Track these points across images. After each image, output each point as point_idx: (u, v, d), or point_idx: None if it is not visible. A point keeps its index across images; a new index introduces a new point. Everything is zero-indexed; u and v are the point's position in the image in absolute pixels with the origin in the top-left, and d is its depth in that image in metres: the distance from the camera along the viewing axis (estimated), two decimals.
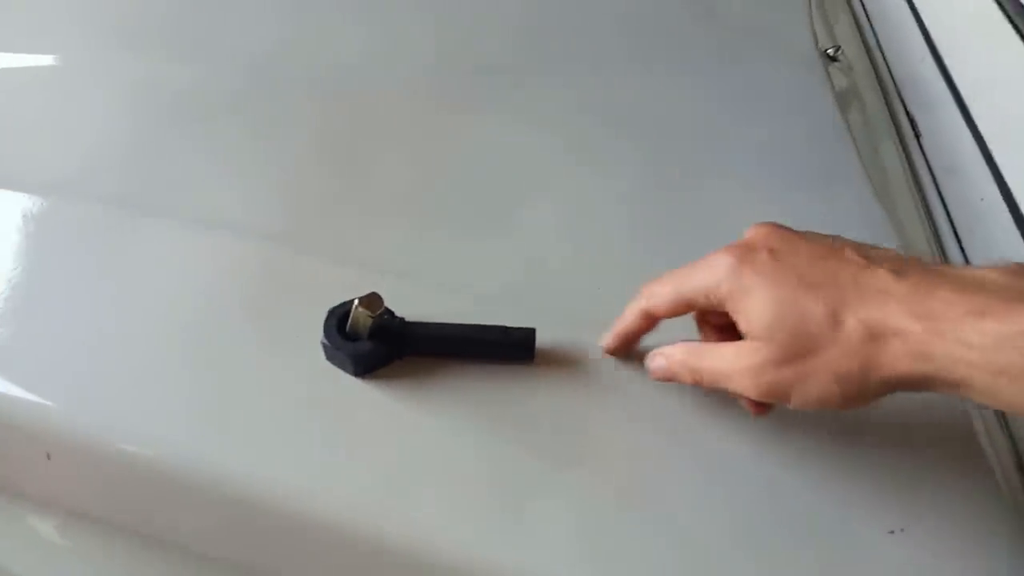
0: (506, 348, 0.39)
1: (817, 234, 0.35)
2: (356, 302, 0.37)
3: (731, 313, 0.34)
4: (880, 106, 0.68)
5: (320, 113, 0.54)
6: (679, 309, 0.36)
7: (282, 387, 0.38)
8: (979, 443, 0.40)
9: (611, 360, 0.40)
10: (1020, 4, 0.65)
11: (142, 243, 0.45)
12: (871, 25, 0.81)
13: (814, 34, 0.71)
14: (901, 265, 0.31)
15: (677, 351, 0.36)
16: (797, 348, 0.32)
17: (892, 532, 0.35)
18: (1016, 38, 0.64)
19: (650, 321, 0.38)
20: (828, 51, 0.68)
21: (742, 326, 0.33)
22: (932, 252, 0.56)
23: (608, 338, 0.40)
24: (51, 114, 0.54)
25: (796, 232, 0.35)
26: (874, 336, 0.30)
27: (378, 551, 0.35)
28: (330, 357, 0.39)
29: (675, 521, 0.35)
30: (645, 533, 0.35)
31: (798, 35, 0.70)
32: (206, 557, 0.39)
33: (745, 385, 0.33)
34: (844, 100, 0.69)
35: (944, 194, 0.60)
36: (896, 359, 0.30)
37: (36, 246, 0.44)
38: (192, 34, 0.61)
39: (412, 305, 0.40)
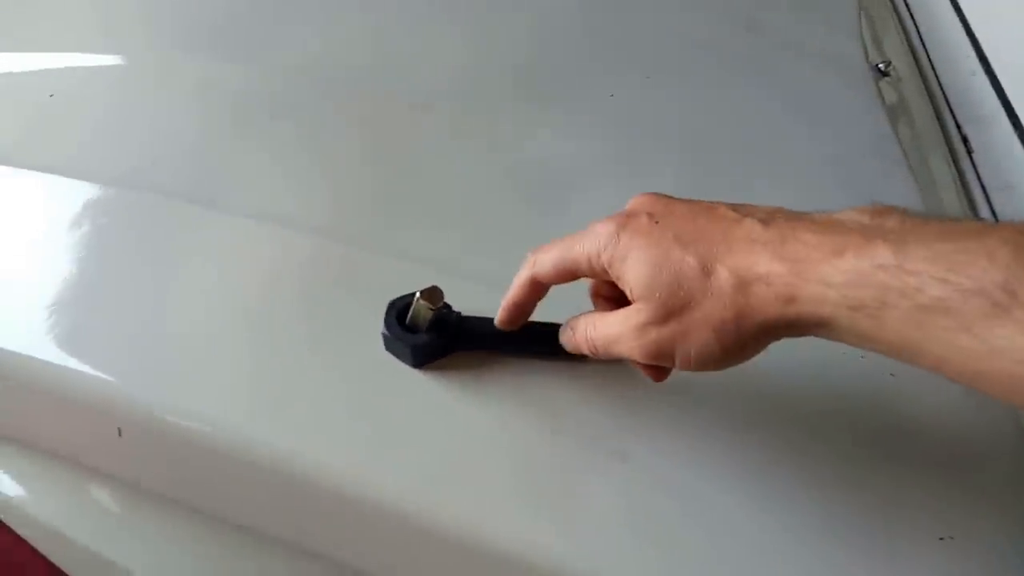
0: (559, 346, 0.40)
1: (695, 200, 0.35)
2: (417, 294, 0.38)
3: (615, 280, 0.34)
4: (931, 120, 0.67)
5: (372, 113, 0.56)
6: (563, 276, 0.37)
7: (342, 374, 0.40)
8: None
9: None
10: None
11: (206, 234, 0.46)
12: (921, 39, 0.80)
13: (864, 48, 0.71)
14: (769, 215, 0.32)
15: (580, 322, 0.37)
16: (674, 304, 0.32)
17: (942, 539, 0.35)
18: None
19: (536, 288, 0.38)
20: (879, 65, 0.68)
21: (626, 291, 0.34)
22: None
23: (500, 311, 0.39)
24: (119, 111, 0.56)
25: (674, 198, 0.35)
26: (743, 283, 0.31)
27: (433, 535, 0.36)
28: (389, 348, 0.40)
29: (717, 520, 0.36)
30: (691, 525, 0.35)
31: (848, 50, 0.70)
32: (264, 536, 0.40)
33: (631, 347, 0.34)
34: (894, 114, 0.68)
35: (997, 211, 0.59)
36: (765, 303, 0.30)
37: (106, 234, 0.47)
38: (249, 36, 0.63)
39: (467, 300, 0.41)
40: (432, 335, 0.39)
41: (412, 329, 0.39)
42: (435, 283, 0.39)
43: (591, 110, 0.59)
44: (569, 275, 0.36)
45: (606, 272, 0.34)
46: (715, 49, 0.68)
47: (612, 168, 0.54)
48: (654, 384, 0.40)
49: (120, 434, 0.40)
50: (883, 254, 0.28)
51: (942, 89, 0.72)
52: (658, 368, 0.36)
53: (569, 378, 0.40)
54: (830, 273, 0.29)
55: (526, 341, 0.40)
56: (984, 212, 0.59)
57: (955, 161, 0.63)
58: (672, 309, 0.32)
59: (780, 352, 0.42)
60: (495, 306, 0.41)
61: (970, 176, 0.62)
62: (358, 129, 0.55)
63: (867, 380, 0.41)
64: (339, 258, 0.45)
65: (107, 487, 0.43)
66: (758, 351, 0.32)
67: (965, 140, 0.66)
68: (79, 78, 0.59)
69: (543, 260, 0.37)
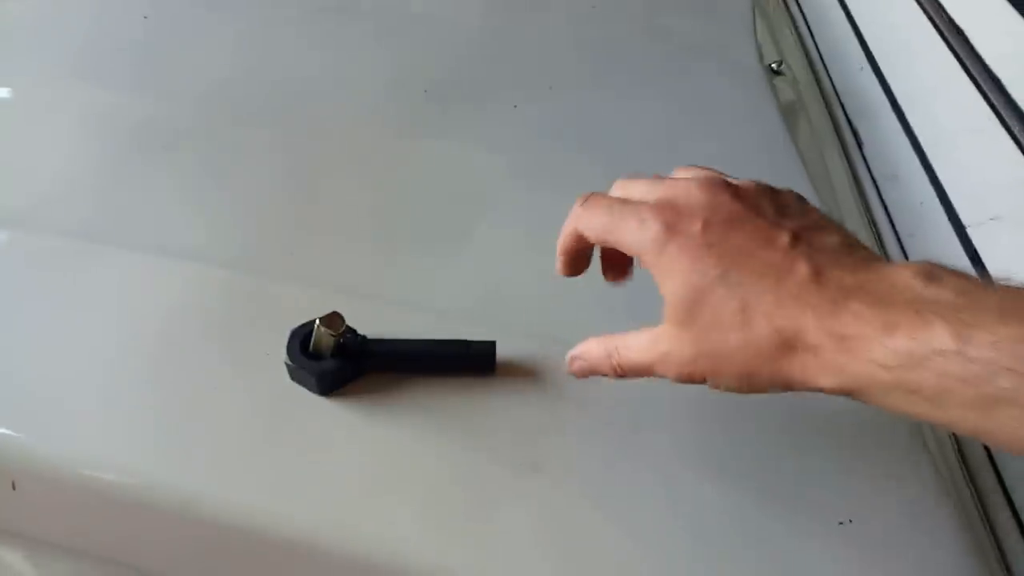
0: (468, 361, 0.41)
1: (760, 204, 0.33)
2: (317, 322, 0.38)
3: (655, 279, 0.33)
4: (824, 117, 0.70)
5: (278, 139, 0.55)
6: (606, 245, 0.35)
7: (247, 408, 0.39)
8: (921, 434, 0.42)
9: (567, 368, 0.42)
10: (948, 17, 0.69)
11: (103, 273, 0.45)
12: (813, 38, 0.84)
13: (758, 49, 0.74)
14: (825, 263, 0.30)
15: (593, 348, 0.36)
16: (710, 344, 0.31)
17: (841, 523, 0.37)
18: (945, 48, 0.67)
19: (583, 240, 0.36)
20: (772, 65, 0.71)
21: (664, 299, 0.33)
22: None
23: (556, 263, 0.38)
24: (8, 147, 0.54)
25: (739, 200, 0.33)
26: (787, 346, 0.30)
27: (348, 567, 0.35)
28: (294, 377, 0.39)
29: (633, 524, 0.36)
30: (605, 537, 0.36)
31: (743, 50, 0.73)
32: None
33: (665, 372, 0.33)
34: (791, 112, 0.71)
35: (886, 199, 0.62)
36: (805, 370, 0.30)
37: None
38: (148, 64, 0.62)
39: (374, 323, 0.41)
40: (336, 361, 0.39)
41: (316, 356, 0.39)
42: (341, 307, 0.39)
43: (496, 123, 0.59)
44: (611, 246, 0.35)
45: (645, 266, 0.33)
46: (615, 55, 0.69)
47: (520, 179, 0.55)
48: (565, 393, 0.41)
49: (14, 487, 0.38)
50: (942, 338, 0.26)
51: (833, 85, 0.76)
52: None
53: (478, 393, 0.40)
54: (883, 355, 0.27)
55: (432, 359, 0.40)
56: (873, 200, 0.62)
57: (847, 153, 0.66)
58: (706, 347, 0.31)
59: None
60: (402, 327, 0.41)
61: (860, 167, 0.65)
62: (261, 155, 0.54)
63: None
64: (242, 289, 0.44)
65: (11, 546, 0.41)
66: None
67: (855, 133, 0.69)
68: None
69: (590, 220, 0.35)
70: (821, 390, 0.30)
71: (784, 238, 0.31)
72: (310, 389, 0.39)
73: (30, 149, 0.54)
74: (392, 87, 0.61)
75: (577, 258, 0.38)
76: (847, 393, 0.30)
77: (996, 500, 0.41)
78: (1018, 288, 0.28)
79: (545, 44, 0.69)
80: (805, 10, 0.88)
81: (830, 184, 0.63)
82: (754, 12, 0.81)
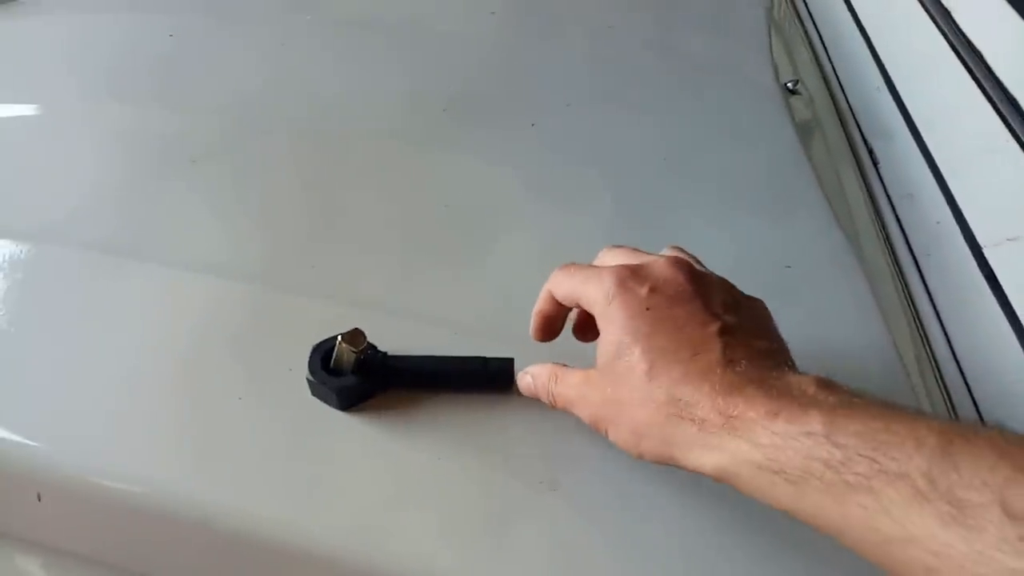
0: (486, 378, 0.41)
1: (710, 294, 0.35)
2: (339, 338, 0.38)
3: (599, 329, 0.36)
4: (840, 136, 0.71)
5: (298, 155, 0.56)
6: (571, 303, 0.38)
7: (269, 423, 0.40)
8: None
9: None
10: (964, 37, 0.69)
11: (128, 287, 0.46)
12: (829, 57, 0.84)
13: (774, 68, 0.74)
14: (738, 357, 0.33)
15: (542, 372, 0.39)
16: (616, 392, 0.34)
17: None
18: (962, 68, 0.67)
19: (555, 302, 0.39)
20: (788, 84, 0.71)
21: (598, 348, 0.36)
22: (892, 274, 0.58)
23: (531, 324, 0.41)
24: (36, 162, 0.55)
25: (693, 284, 0.36)
26: (677, 414, 0.32)
27: None
28: (315, 392, 0.40)
29: (649, 543, 0.36)
30: (621, 556, 0.36)
31: (759, 69, 0.73)
32: None
33: (580, 412, 0.36)
34: (807, 130, 0.72)
35: (902, 219, 0.62)
36: (687, 443, 0.31)
37: (24, 292, 0.45)
38: (171, 81, 0.63)
39: (395, 339, 0.41)
40: (357, 377, 0.39)
41: (337, 372, 0.39)
42: (362, 322, 0.40)
43: (514, 140, 0.60)
44: (575, 305, 0.38)
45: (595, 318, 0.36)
46: (631, 73, 0.70)
47: (538, 196, 0.55)
48: None
49: (39, 499, 0.39)
50: (814, 423, 0.28)
51: (849, 105, 0.76)
52: None
53: (496, 410, 0.41)
54: (760, 435, 0.29)
55: (451, 376, 0.41)
56: (889, 220, 0.62)
57: (863, 173, 0.66)
58: (612, 396, 0.34)
59: None
60: (422, 342, 0.42)
61: (876, 186, 0.65)
62: (284, 170, 0.55)
63: None
64: (265, 303, 0.45)
65: (31, 555, 0.42)
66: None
67: (871, 153, 0.69)
68: None
69: (561, 281, 0.38)
70: (699, 468, 0.32)
71: (715, 326, 0.34)
72: (331, 404, 0.40)
73: (57, 164, 0.55)
74: (412, 103, 0.62)
75: (550, 320, 0.40)
76: (721, 475, 0.31)
77: None
78: (894, 403, 0.29)
79: (562, 62, 0.70)
80: (821, 29, 0.89)
81: (846, 203, 0.63)
82: (770, 30, 0.82)
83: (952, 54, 0.69)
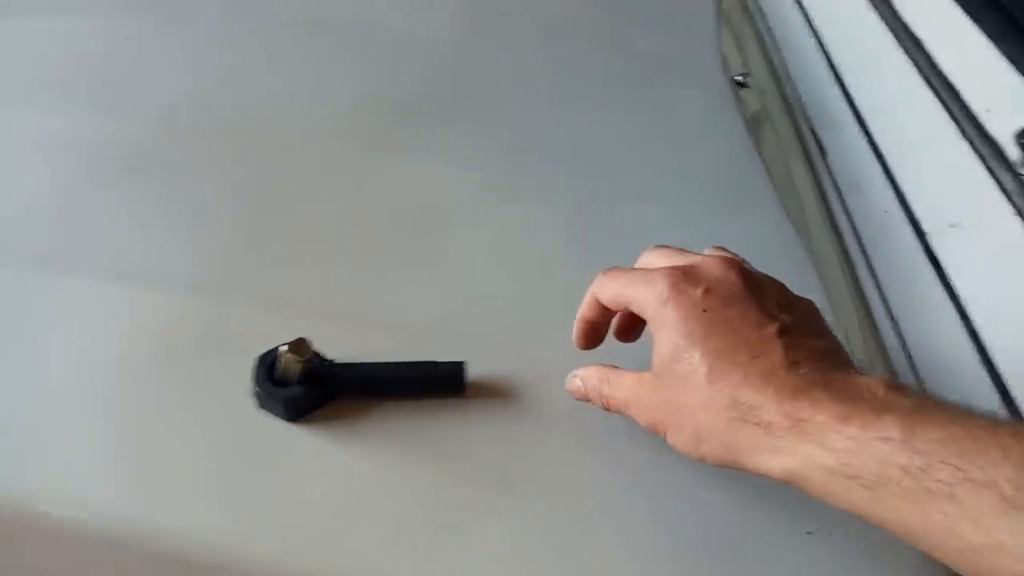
0: (437, 383, 0.40)
1: (764, 294, 0.35)
2: (283, 348, 0.38)
3: (651, 332, 0.36)
4: (789, 128, 0.71)
5: (240, 160, 0.55)
6: (618, 307, 0.38)
7: (214, 438, 0.39)
8: None
9: (540, 388, 0.42)
10: (907, 28, 0.70)
11: (62, 303, 0.44)
12: (779, 50, 0.85)
13: (723, 62, 0.74)
14: (801, 359, 0.32)
15: (592, 375, 0.38)
16: (674, 396, 0.34)
17: (810, 533, 0.37)
18: (905, 59, 0.68)
19: (601, 307, 0.39)
20: (736, 77, 0.72)
21: (653, 351, 0.35)
22: (841, 264, 0.59)
23: (574, 331, 0.41)
24: None
25: (746, 283, 0.35)
26: (740, 417, 0.31)
27: None
28: (262, 404, 0.39)
29: (606, 541, 0.36)
30: (579, 555, 0.36)
31: (708, 64, 0.74)
32: None
33: (636, 414, 0.36)
34: (758, 123, 0.72)
35: (850, 209, 0.63)
36: (753, 446, 0.31)
37: None
38: (106, 86, 0.61)
39: (343, 347, 0.41)
40: (304, 387, 0.38)
41: (283, 383, 0.38)
42: (310, 330, 0.39)
43: (466, 139, 0.59)
44: (624, 308, 0.38)
45: (647, 322, 0.36)
46: (583, 71, 0.70)
47: (489, 195, 0.55)
48: (535, 412, 0.41)
49: None
50: (890, 428, 0.28)
51: (798, 97, 0.77)
52: None
53: (448, 415, 0.40)
54: (833, 439, 0.29)
55: (401, 382, 0.40)
56: (838, 210, 0.63)
57: (811, 164, 0.67)
58: (670, 400, 0.34)
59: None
60: (372, 349, 0.41)
61: (824, 177, 0.66)
62: (226, 176, 0.54)
63: None
64: (208, 314, 0.44)
65: None
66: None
67: (819, 144, 0.70)
68: None
69: (606, 285, 0.38)
70: (766, 472, 0.31)
71: (772, 327, 0.33)
72: (278, 416, 0.39)
73: None
74: (360, 103, 0.61)
75: (595, 326, 0.40)
76: (789, 478, 0.31)
77: None
78: (970, 407, 0.29)
79: (513, 60, 0.69)
80: (771, 23, 0.90)
81: (796, 194, 0.64)
82: (720, 26, 0.82)
83: (896, 44, 0.71)
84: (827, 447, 0.29)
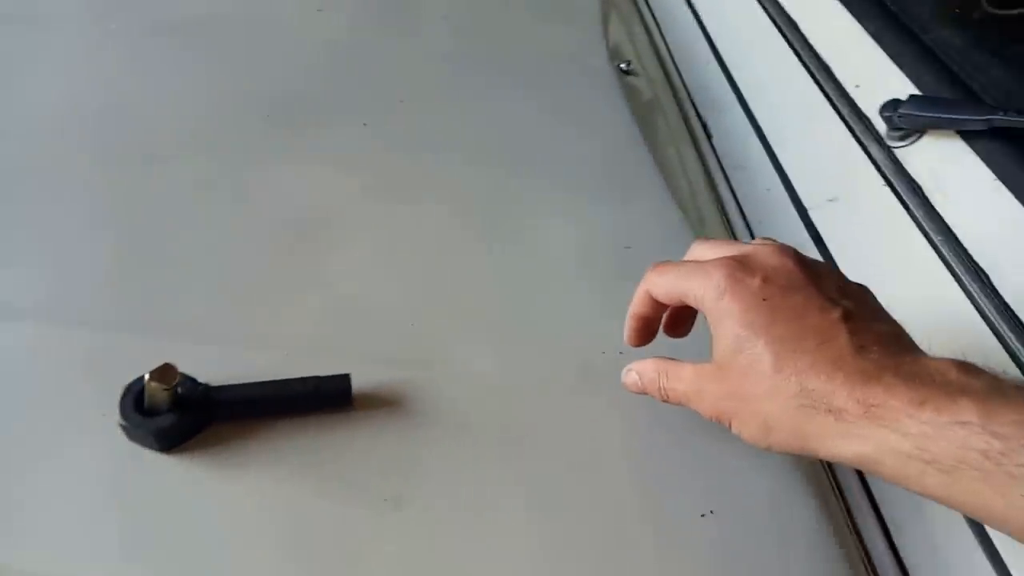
0: (322, 398, 0.39)
1: (822, 280, 0.35)
2: (147, 376, 0.35)
3: (709, 325, 0.35)
4: (676, 113, 0.72)
5: (104, 175, 0.52)
6: (673, 302, 0.38)
7: (84, 476, 0.36)
8: None
9: (429, 393, 0.41)
10: (782, 9, 0.72)
11: None
12: (662, 35, 0.86)
13: (609, 50, 0.75)
14: (868, 342, 0.32)
15: (649, 368, 0.38)
16: (740, 386, 0.33)
17: (703, 515, 0.37)
18: (781, 39, 0.70)
19: (653, 302, 0.38)
20: (621, 66, 0.72)
21: (713, 340, 0.35)
22: None
23: (625, 328, 0.40)
24: None
25: (804, 270, 0.35)
26: (810, 405, 0.31)
27: None
28: (132, 437, 0.37)
29: (497, 546, 0.36)
30: (470, 565, 0.35)
31: (594, 52, 0.74)
32: None
33: (699, 407, 0.36)
34: (650, 109, 0.73)
35: (735, 189, 0.65)
36: (825, 433, 0.31)
37: None
38: None
39: (220, 368, 0.39)
40: (174, 415, 0.36)
41: (153, 413, 0.36)
42: (183, 354, 0.37)
43: (345, 143, 0.58)
44: (678, 302, 0.37)
45: (704, 313, 0.35)
46: (468, 64, 0.69)
47: (371, 198, 0.53)
48: (424, 421, 0.40)
49: None
50: (967, 413, 0.27)
51: (683, 82, 0.78)
52: None
53: (334, 430, 0.39)
54: (908, 425, 0.29)
55: (282, 401, 0.38)
56: (724, 191, 0.64)
57: (698, 147, 0.68)
58: (736, 390, 0.34)
59: (544, 364, 0.43)
60: (252, 369, 0.39)
61: (711, 159, 0.67)
62: (84, 194, 0.50)
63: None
64: (69, 344, 0.41)
65: None
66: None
67: (705, 126, 0.72)
68: None
69: (658, 281, 0.37)
70: (837, 457, 0.31)
71: (836, 312, 0.33)
72: (151, 448, 0.37)
73: None
74: (229, 111, 0.59)
75: (648, 322, 0.40)
76: (862, 463, 0.31)
77: (862, 502, 0.43)
78: None
79: (394, 58, 0.68)
80: (655, 10, 0.91)
81: (687, 178, 0.65)
82: (605, 15, 0.83)
83: (771, 25, 0.73)
84: (902, 432, 0.29)
